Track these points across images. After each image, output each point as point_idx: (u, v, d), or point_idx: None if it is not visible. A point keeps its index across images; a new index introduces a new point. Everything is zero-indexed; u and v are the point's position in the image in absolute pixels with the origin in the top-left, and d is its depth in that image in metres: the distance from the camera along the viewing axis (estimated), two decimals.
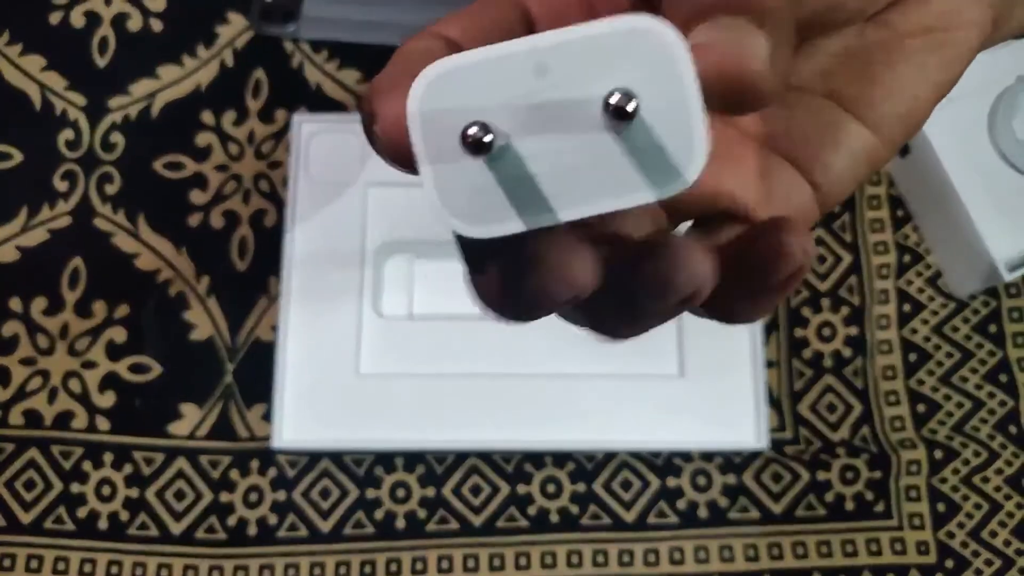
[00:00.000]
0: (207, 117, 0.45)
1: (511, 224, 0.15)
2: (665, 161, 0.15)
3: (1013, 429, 0.42)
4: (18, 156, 0.44)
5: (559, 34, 0.15)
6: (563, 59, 0.15)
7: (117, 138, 0.44)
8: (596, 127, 0.15)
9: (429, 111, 0.15)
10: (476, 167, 0.15)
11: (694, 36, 0.15)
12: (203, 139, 0.44)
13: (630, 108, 0.14)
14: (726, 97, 0.15)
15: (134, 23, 0.45)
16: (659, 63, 0.14)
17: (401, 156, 0.15)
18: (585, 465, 0.41)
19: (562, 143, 0.15)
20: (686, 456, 0.41)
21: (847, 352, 0.43)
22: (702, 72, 0.14)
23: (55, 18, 0.45)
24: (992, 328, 0.43)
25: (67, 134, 0.44)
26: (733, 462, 0.41)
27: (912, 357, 0.43)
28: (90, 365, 0.42)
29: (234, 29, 0.45)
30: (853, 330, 0.43)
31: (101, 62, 0.45)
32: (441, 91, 0.15)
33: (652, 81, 0.14)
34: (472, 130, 0.15)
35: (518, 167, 0.15)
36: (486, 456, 0.41)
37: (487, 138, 0.15)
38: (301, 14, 0.44)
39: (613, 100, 0.14)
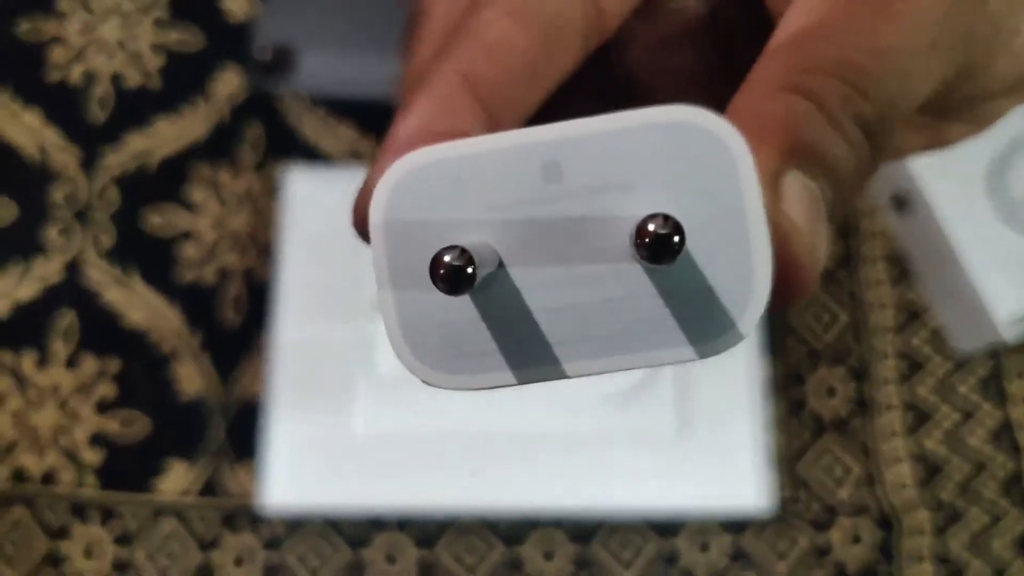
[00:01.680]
0: (203, 172, 0.45)
1: (498, 376, 0.11)
2: (713, 307, 0.11)
3: (1018, 490, 0.41)
4: (14, 210, 0.44)
5: (577, 125, 0.11)
6: (581, 159, 0.11)
7: (113, 193, 0.44)
8: (622, 255, 0.11)
9: (396, 221, 0.11)
10: (455, 298, 0.11)
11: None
12: (199, 194, 0.44)
13: (676, 240, 0.10)
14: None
15: (132, 79, 0.46)
16: (712, 172, 0.11)
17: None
18: (582, 525, 0.40)
19: (574, 274, 0.11)
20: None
21: (846, 411, 0.42)
22: None
23: (54, 75, 0.46)
24: (994, 387, 0.42)
25: (64, 189, 0.44)
26: (733, 524, 0.40)
27: (913, 416, 0.42)
28: (80, 421, 0.41)
29: (231, 84, 0.46)
30: (852, 389, 0.42)
31: (99, 118, 0.45)
32: (414, 194, 0.11)
33: (701, 197, 0.11)
34: (447, 257, 0.10)
35: (512, 302, 0.11)
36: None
37: (469, 270, 0.10)
38: (298, 68, 0.44)
39: (653, 227, 0.10)
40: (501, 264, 0.11)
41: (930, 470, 0.41)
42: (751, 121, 0.12)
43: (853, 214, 0.44)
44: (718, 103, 0.13)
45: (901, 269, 0.44)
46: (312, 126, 0.45)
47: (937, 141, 0.17)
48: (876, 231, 0.44)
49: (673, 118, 0.11)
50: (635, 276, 0.11)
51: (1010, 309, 0.39)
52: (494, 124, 0.14)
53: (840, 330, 0.43)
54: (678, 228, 0.10)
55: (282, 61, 0.44)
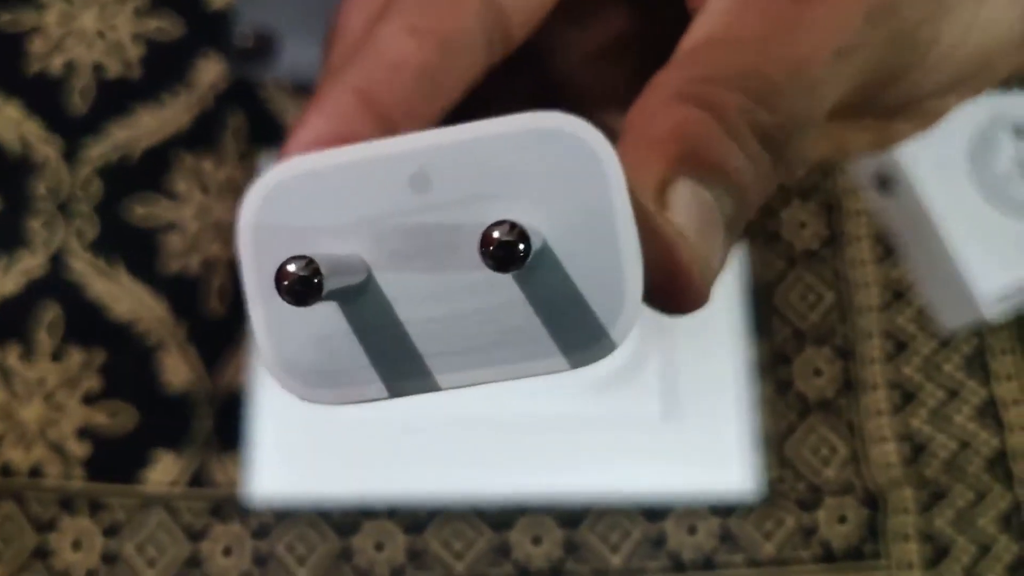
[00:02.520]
0: (186, 162, 0.44)
1: (370, 389, 0.11)
2: (584, 316, 0.11)
3: (1002, 467, 0.41)
4: None
5: (445, 133, 0.11)
6: (448, 169, 0.11)
7: (96, 184, 0.44)
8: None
9: (264, 229, 0.11)
10: (324, 309, 0.11)
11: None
12: (182, 184, 0.44)
13: (521, 247, 0.10)
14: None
15: (113, 69, 0.45)
16: (580, 180, 0.11)
17: None
18: (570, 509, 0.41)
19: (443, 284, 0.11)
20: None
21: (832, 391, 0.42)
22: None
23: (34, 66, 0.45)
24: (978, 365, 0.42)
25: (46, 181, 0.44)
26: (720, 506, 0.41)
27: (898, 395, 0.42)
28: (66, 413, 0.41)
29: (213, 73, 0.45)
30: (837, 369, 0.42)
31: (80, 108, 0.45)
32: (285, 203, 0.11)
33: (569, 205, 0.11)
34: (292, 267, 0.10)
35: (383, 314, 0.11)
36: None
37: (316, 280, 0.10)
38: (280, 56, 0.44)
39: (497, 234, 0.10)
40: (370, 275, 0.11)
41: (915, 449, 0.42)
42: (643, 129, 0.12)
43: (836, 193, 0.44)
44: None
45: (885, 248, 0.44)
46: (295, 114, 0.45)
47: (884, 139, 0.17)
48: (860, 210, 0.44)
49: (541, 125, 0.11)
50: (504, 286, 0.11)
51: (993, 287, 0.39)
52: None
53: (825, 310, 0.43)
54: (523, 235, 0.10)
55: (264, 48, 0.44)
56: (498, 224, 0.10)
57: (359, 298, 0.11)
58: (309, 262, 0.10)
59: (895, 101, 0.15)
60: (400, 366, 0.11)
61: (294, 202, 0.11)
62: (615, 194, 0.11)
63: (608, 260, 0.11)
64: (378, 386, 0.11)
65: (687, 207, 0.12)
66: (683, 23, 0.14)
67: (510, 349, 0.11)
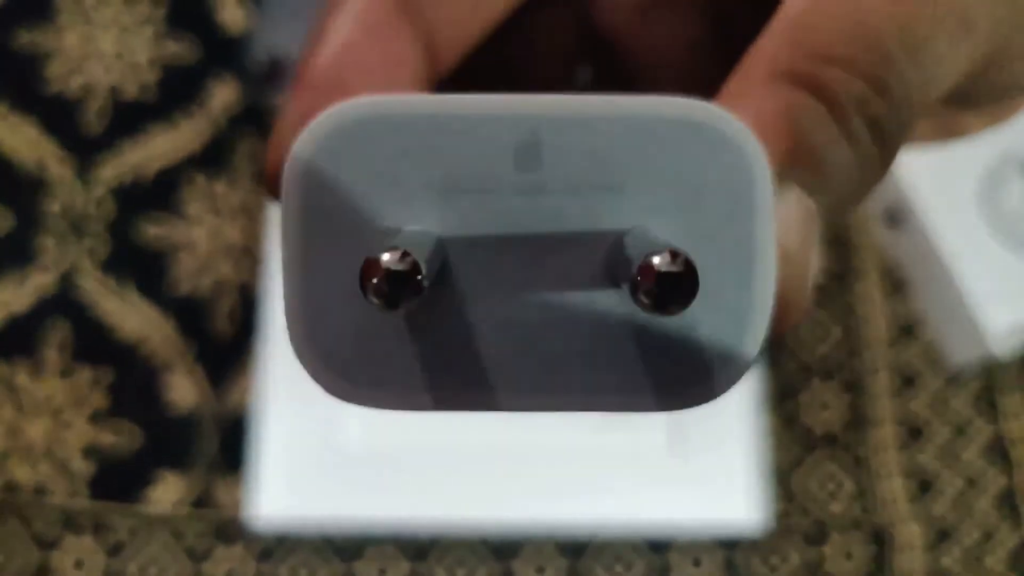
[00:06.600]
0: (200, 183, 0.45)
1: (416, 399, 0.09)
2: (691, 355, 0.09)
3: (1009, 505, 0.41)
4: (10, 220, 0.44)
5: (566, 102, 0.09)
6: (566, 145, 0.09)
7: (109, 204, 0.44)
8: (596, 275, 0.09)
9: (321, 175, 0.09)
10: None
11: None
12: (195, 206, 0.44)
13: (689, 285, 0.08)
14: None
15: (129, 91, 0.46)
16: (721, 189, 0.09)
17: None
18: (574, 539, 0.40)
19: (532, 288, 0.09)
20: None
21: (839, 426, 0.42)
22: None
23: (52, 87, 0.46)
24: (986, 402, 0.42)
25: (60, 200, 0.44)
26: (725, 538, 0.40)
27: (905, 431, 0.42)
28: (73, 431, 0.41)
29: (227, 96, 0.46)
30: (845, 403, 0.42)
31: (96, 129, 0.45)
32: (345, 155, 0.09)
33: (704, 217, 0.09)
34: (386, 257, 0.08)
35: (448, 309, 0.09)
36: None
37: (417, 278, 0.08)
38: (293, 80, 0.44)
39: (659, 262, 0.08)
40: (451, 264, 0.09)
41: (922, 485, 0.41)
42: (743, 114, 0.10)
43: (845, 227, 0.44)
44: (706, 82, 0.12)
45: (894, 283, 0.44)
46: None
47: (950, 133, 0.15)
48: (869, 245, 0.44)
49: (685, 114, 0.09)
50: (606, 303, 0.09)
51: (1001, 323, 0.39)
52: (430, 53, 0.12)
53: (833, 344, 0.43)
54: (692, 270, 0.08)
55: (278, 72, 0.44)
56: (660, 252, 0.08)
57: (429, 290, 0.08)
58: (405, 254, 0.08)
59: (983, 90, 0.14)
60: (456, 376, 0.09)
61: (364, 150, 0.09)
62: (760, 213, 0.09)
63: (737, 292, 0.09)
64: (425, 394, 0.09)
65: (792, 219, 0.10)
66: None
67: (594, 377, 0.09)
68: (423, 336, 0.09)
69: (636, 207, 0.09)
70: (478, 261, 0.09)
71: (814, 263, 0.10)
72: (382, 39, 0.12)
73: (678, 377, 0.09)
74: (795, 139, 0.10)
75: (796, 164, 0.10)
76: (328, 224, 0.09)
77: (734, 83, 0.11)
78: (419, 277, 0.08)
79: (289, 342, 0.09)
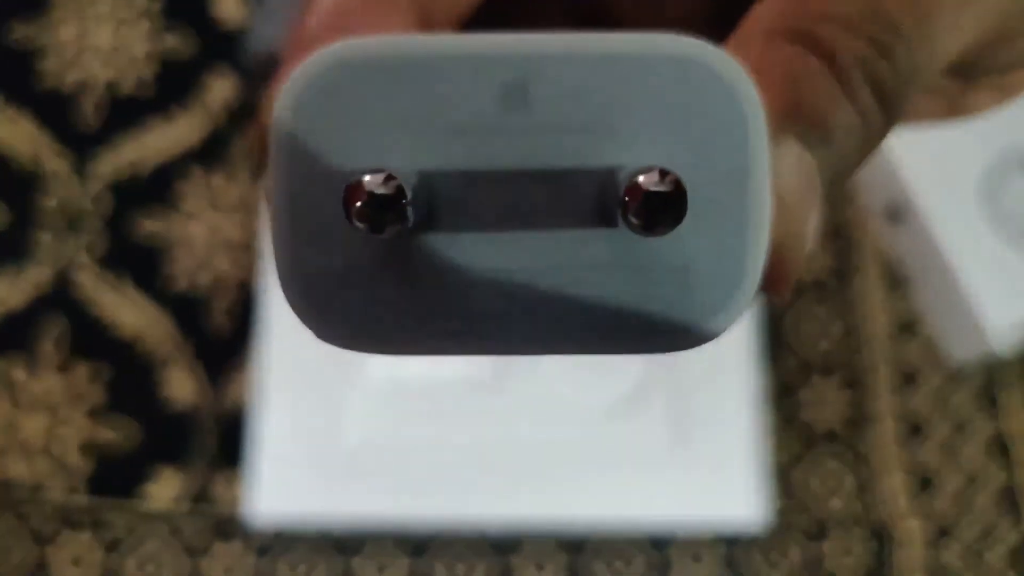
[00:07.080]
0: (197, 178, 0.44)
1: (413, 343, 0.09)
2: (691, 293, 0.09)
3: (1009, 501, 0.41)
4: (6, 216, 0.44)
5: (553, 41, 0.09)
6: (554, 85, 0.09)
7: (106, 199, 0.44)
8: (591, 215, 0.09)
9: (309, 116, 0.09)
10: (373, 240, 0.08)
11: None
12: (192, 201, 0.44)
13: (678, 204, 0.08)
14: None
15: (126, 86, 0.46)
16: (714, 126, 0.09)
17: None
18: (574, 535, 0.40)
19: (526, 230, 0.09)
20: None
21: (839, 422, 0.42)
22: None
23: (48, 82, 0.46)
24: (987, 398, 0.42)
25: (57, 195, 0.44)
26: (726, 535, 0.40)
27: (906, 427, 0.42)
28: (70, 427, 0.41)
29: (224, 91, 0.46)
30: (845, 400, 0.42)
31: (93, 124, 0.45)
32: (331, 99, 0.09)
33: (697, 155, 0.09)
34: (369, 179, 0.08)
35: (441, 253, 0.09)
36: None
37: (402, 201, 0.08)
38: None
39: (649, 184, 0.08)
40: (437, 204, 0.09)
41: (923, 481, 0.41)
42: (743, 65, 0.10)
43: (845, 223, 0.44)
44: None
45: (894, 279, 0.44)
46: None
47: (957, 109, 0.15)
48: (869, 241, 0.44)
49: (674, 50, 0.09)
50: (602, 243, 0.09)
51: (1002, 320, 0.39)
52: (424, 24, 0.12)
53: (833, 340, 0.43)
54: (680, 189, 0.08)
55: (275, 67, 0.44)
56: (649, 170, 0.08)
57: (416, 231, 0.08)
58: (389, 177, 0.08)
59: (993, 64, 0.14)
60: (453, 320, 0.09)
61: (350, 92, 0.09)
62: (754, 149, 0.09)
63: (732, 229, 0.09)
64: (417, 339, 0.09)
65: (792, 172, 0.10)
66: None
67: (593, 321, 0.09)
68: (411, 278, 0.09)
69: (627, 144, 0.08)
70: (466, 201, 0.09)
71: (813, 220, 0.10)
72: (375, 5, 0.12)
73: (673, 317, 0.09)
74: (792, 93, 0.10)
75: (794, 118, 0.10)
76: (314, 166, 0.09)
77: (732, 42, 0.11)
78: (403, 201, 0.08)
79: (279, 284, 0.09)
